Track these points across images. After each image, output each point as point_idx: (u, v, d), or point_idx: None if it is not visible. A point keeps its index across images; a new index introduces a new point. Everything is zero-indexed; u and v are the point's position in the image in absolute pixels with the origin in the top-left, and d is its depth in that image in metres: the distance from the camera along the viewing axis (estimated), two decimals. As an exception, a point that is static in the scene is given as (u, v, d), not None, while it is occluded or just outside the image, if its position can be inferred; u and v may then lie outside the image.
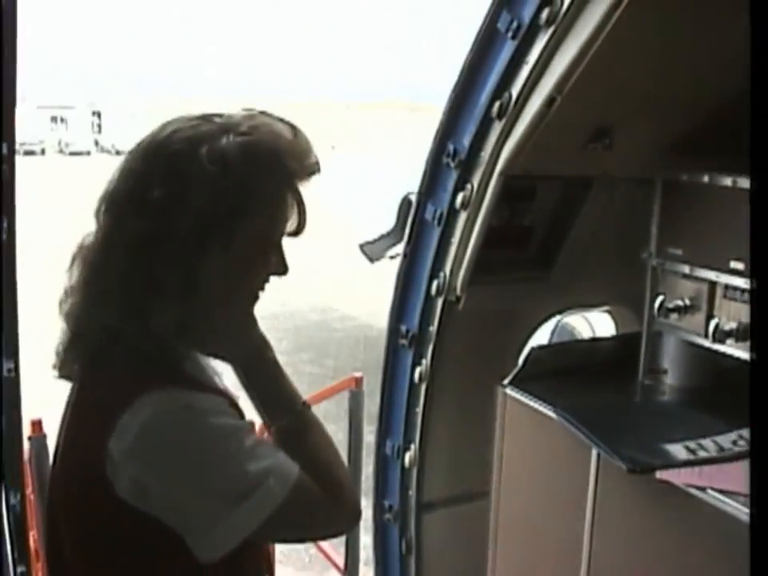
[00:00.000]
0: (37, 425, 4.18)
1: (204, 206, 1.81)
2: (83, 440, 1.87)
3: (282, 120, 1.98)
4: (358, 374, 4.77)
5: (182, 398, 1.80)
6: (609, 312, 4.61)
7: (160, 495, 1.77)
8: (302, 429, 1.98)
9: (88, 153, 67.24)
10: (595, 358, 3.84)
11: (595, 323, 5.48)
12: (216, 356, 2.04)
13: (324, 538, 2.30)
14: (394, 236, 12.27)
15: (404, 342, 3.94)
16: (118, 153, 61.96)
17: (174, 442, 1.77)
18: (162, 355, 1.87)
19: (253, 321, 2.03)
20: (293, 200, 1.98)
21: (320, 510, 1.91)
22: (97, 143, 72.10)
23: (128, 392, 1.78)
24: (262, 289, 2.03)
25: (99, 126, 75.83)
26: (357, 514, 2.01)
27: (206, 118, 1.93)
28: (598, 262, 3.99)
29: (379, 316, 16.15)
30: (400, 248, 11.87)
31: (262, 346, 2.04)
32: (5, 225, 2.93)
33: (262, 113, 1.98)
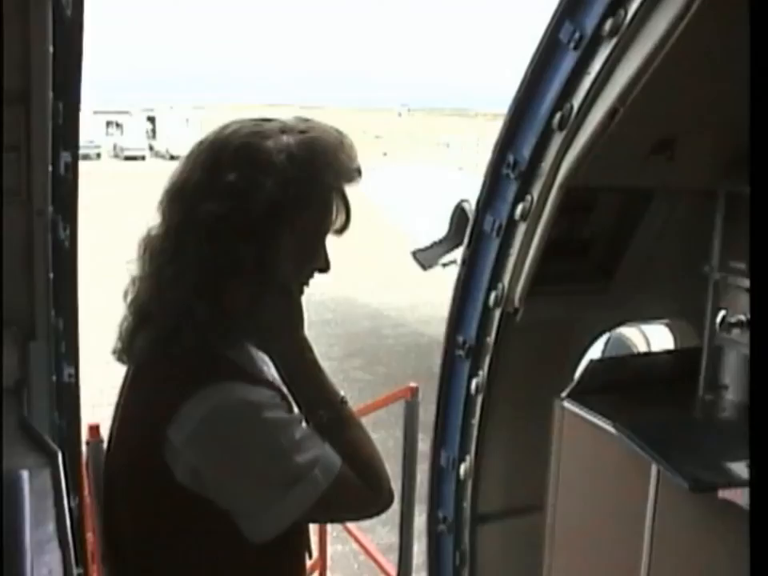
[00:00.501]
0: (94, 429, 4.20)
1: (273, 191, 1.90)
2: (142, 426, 1.97)
3: (329, 126, 2.07)
4: (413, 384, 4.75)
5: (238, 393, 1.91)
6: (667, 325, 4.55)
7: (217, 482, 1.91)
8: (340, 424, 2.08)
9: (143, 157, 68.09)
10: (654, 372, 3.80)
11: (651, 335, 5.42)
12: (265, 350, 2.15)
13: (361, 519, 2.58)
14: (446, 243, 12.27)
15: (461, 352, 3.92)
16: (172, 157, 62.74)
17: (230, 434, 1.89)
18: (221, 345, 1.98)
19: (301, 321, 2.11)
20: (340, 198, 2.07)
21: (359, 497, 2.05)
22: (151, 148, 72.97)
23: (188, 383, 1.90)
24: (307, 283, 2.13)
25: (153, 131, 76.73)
26: (390, 499, 2.13)
27: (264, 120, 2.04)
28: (657, 274, 3.95)
29: (430, 323, 16.19)
30: (453, 255, 11.88)
31: (304, 347, 2.12)
32: (68, 232, 2.98)
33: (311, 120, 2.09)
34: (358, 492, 2.04)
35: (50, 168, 2.81)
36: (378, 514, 2.12)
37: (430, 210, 14.36)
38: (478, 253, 3.77)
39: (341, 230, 2.12)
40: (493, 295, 3.72)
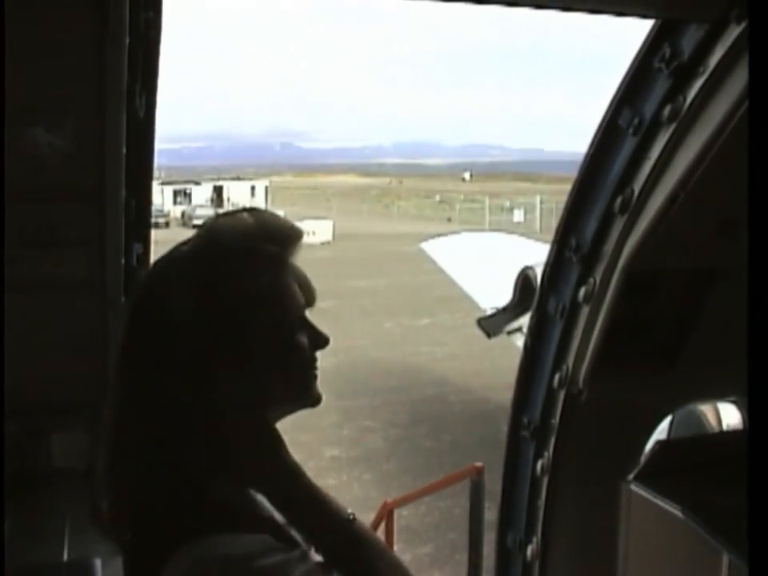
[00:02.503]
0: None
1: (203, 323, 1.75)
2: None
3: (237, 211, 1.93)
4: (478, 464, 4.74)
5: (219, 547, 1.70)
6: (734, 402, 4.48)
7: None
8: (351, 546, 1.84)
9: (210, 226, 69.21)
10: (724, 453, 3.73)
11: (723, 411, 5.33)
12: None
13: None
14: (511, 311, 12.22)
15: (526, 433, 3.92)
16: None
17: None
18: (198, 493, 1.77)
19: (283, 444, 1.87)
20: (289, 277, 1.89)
21: None
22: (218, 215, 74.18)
23: (169, 540, 1.72)
24: (313, 368, 1.92)
25: (220, 199, 78.19)
26: None
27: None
28: (723, 353, 3.90)
29: (495, 390, 16.00)
30: (518, 323, 11.78)
31: (296, 473, 1.86)
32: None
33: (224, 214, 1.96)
34: None
35: (123, 260, 2.91)
36: None
37: (496, 277, 14.35)
38: (542, 334, 3.79)
39: (307, 304, 1.93)
40: (557, 376, 3.72)
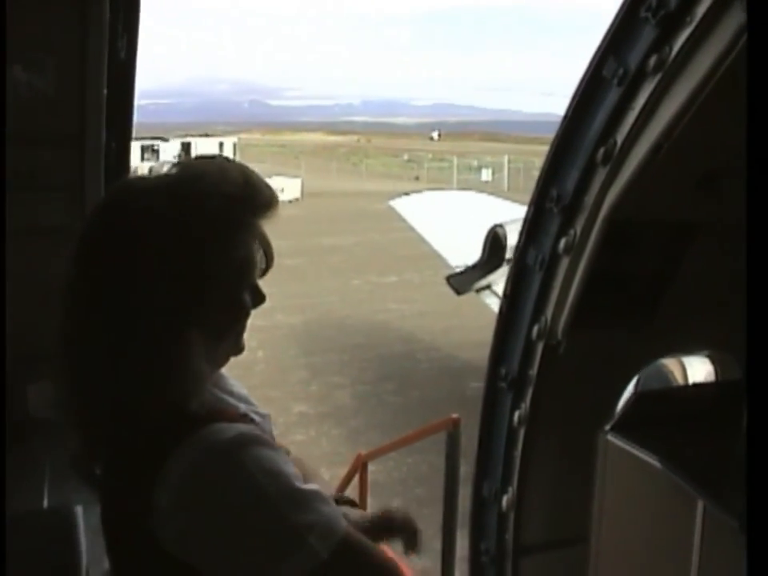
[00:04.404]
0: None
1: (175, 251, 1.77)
2: (127, 497, 1.82)
3: (224, 161, 1.92)
4: (455, 416, 4.76)
5: (220, 433, 1.76)
6: (709, 357, 4.53)
7: (204, 547, 1.74)
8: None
9: (176, 182, 68.59)
10: (698, 405, 3.78)
11: (690, 365, 5.39)
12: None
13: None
14: (480, 268, 12.26)
15: (503, 384, 3.93)
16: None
17: (219, 484, 1.72)
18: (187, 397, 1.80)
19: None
20: (257, 237, 1.92)
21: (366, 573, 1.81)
22: (185, 174, 73.52)
23: (166, 442, 1.75)
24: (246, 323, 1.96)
25: (188, 156, 77.10)
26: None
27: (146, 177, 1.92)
28: (701, 306, 3.94)
29: (463, 347, 16.15)
30: (487, 280, 11.83)
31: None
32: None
33: (201, 158, 1.98)
34: (365, 568, 1.79)
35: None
36: None
37: (464, 235, 14.38)
38: (520, 286, 3.79)
39: (264, 271, 1.98)
40: (536, 328, 3.73)
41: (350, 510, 2.25)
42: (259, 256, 1.94)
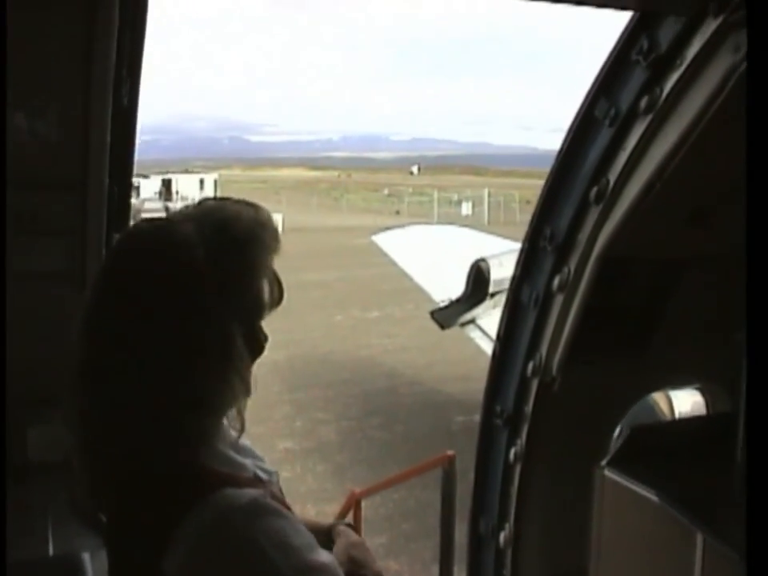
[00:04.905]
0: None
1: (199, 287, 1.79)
2: (135, 561, 1.82)
3: (238, 201, 1.96)
4: (450, 453, 4.77)
5: (235, 498, 1.76)
6: (699, 389, 4.57)
7: None
8: None
9: (159, 219, 68.43)
10: (692, 438, 3.81)
11: (677, 399, 5.43)
12: None
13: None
14: (464, 302, 12.29)
15: (499, 421, 3.95)
16: (187, 218, 63.05)
17: (227, 554, 1.73)
18: (196, 456, 1.83)
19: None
20: (269, 274, 1.95)
21: None
22: (167, 209, 73.36)
23: (175, 507, 1.75)
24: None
25: (168, 192, 77.03)
26: None
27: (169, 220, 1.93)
28: (692, 341, 3.98)
29: (446, 381, 16.08)
30: (471, 314, 11.83)
31: None
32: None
33: (214, 200, 2.00)
34: None
35: (104, 250, 2.88)
36: None
37: (446, 269, 14.43)
38: (515, 323, 3.82)
39: (275, 305, 1.99)
40: (531, 365, 3.76)
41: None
42: (270, 291, 1.96)
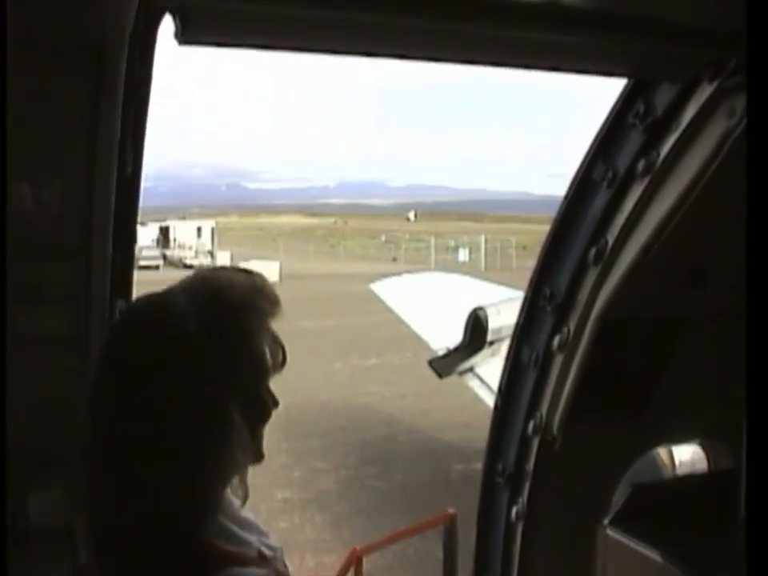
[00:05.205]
0: None
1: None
2: None
3: (233, 269, 2.02)
4: (451, 511, 4.75)
5: None
6: (701, 445, 4.57)
7: None
8: None
9: (157, 267, 68.55)
10: (694, 496, 3.80)
11: (679, 454, 5.43)
12: None
13: None
14: (463, 351, 12.29)
15: (500, 480, 3.94)
16: (185, 266, 63.21)
17: None
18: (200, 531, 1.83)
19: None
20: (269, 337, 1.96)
21: None
22: (164, 257, 73.44)
23: None
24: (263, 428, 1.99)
25: (166, 240, 77.16)
26: None
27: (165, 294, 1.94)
28: (692, 397, 3.99)
29: (444, 429, 16.04)
30: (469, 363, 11.81)
31: None
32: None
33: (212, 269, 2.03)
34: None
35: (107, 316, 2.89)
36: None
37: (444, 316, 14.45)
38: (515, 382, 3.83)
39: (279, 368, 1.99)
40: (531, 424, 3.77)
41: None
42: (272, 355, 1.96)
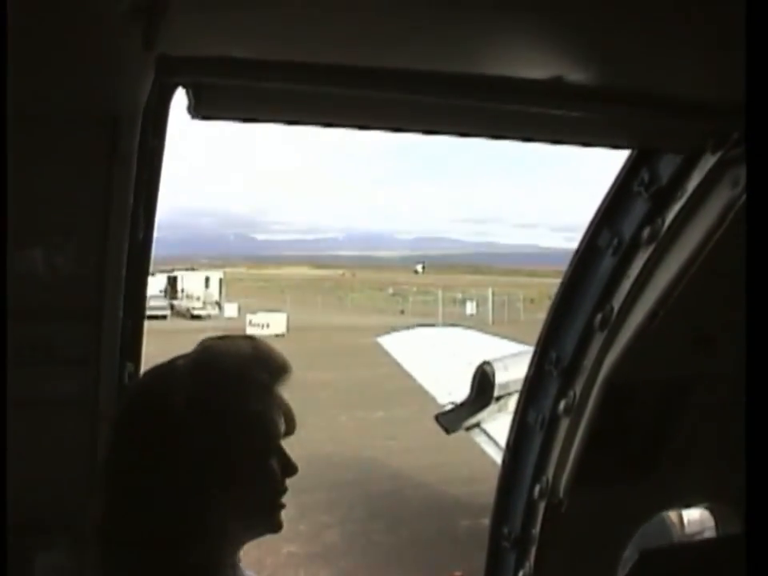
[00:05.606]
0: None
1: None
2: None
3: (237, 337, 2.04)
4: (458, 573, 4.72)
5: None
6: (708, 509, 4.54)
7: None
8: None
9: (164, 317, 68.58)
10: (702, 562, 3.78)
11: (690, 519, 5.40)
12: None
13: None
14: (469, 406, 12.25)
15: (506, 544, 3.92)
16: (192, 317, 63.40)
17: None
18: None
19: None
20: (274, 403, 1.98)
21: None
22: (172, 307, 73.45)
23: None
24: (281, 496, 2.01)
25: (174, 290, 77.10)
26: None
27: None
28: (699, 460, 3.98)
29: (451, 483, 15.97)
30: (476, 418, 11.79)
31: None
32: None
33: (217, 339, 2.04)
34: None
35: (117, 379, 2.92)
36: None
37: (451, 371, 14.42)
38: (521, 445, 3.83)
39: (287, 433, 2.01)
40: (538, 487, 3.76)
41: None
42: (279, 421, 1.98)
